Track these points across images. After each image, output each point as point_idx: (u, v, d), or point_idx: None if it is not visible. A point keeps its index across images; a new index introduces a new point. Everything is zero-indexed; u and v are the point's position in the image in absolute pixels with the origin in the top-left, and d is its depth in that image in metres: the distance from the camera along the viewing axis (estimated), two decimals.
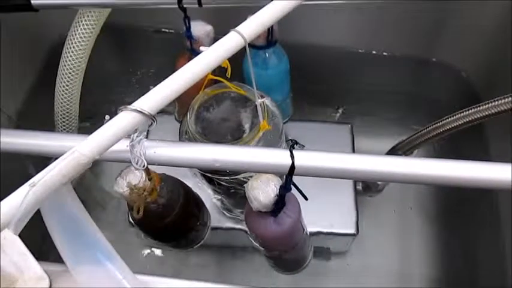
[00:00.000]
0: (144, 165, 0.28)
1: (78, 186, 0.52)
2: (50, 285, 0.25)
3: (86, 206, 0.61)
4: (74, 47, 0.41)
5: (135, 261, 0.58)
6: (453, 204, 0.62)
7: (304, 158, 0.27)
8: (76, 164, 0.24)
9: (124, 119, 0.25)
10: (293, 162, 0.26)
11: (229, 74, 0.33)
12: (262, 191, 0.32)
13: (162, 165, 0.28)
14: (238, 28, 0.28)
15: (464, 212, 0.60)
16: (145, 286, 0.26)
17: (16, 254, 0.24)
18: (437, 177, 0.26)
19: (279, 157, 0.27)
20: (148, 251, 0.60)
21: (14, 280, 0.24)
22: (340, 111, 0.66)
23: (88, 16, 0.40)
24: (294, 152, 0.27)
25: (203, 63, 0.27)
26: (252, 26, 0.28)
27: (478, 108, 0.37)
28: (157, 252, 0.60)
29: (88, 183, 0.55)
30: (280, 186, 0.32)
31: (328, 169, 0.27)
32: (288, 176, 0.28)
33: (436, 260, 0.60)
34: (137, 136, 0.28)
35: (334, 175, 0.27)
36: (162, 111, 0.57)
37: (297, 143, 0.28)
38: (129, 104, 0.25)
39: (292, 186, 0.32)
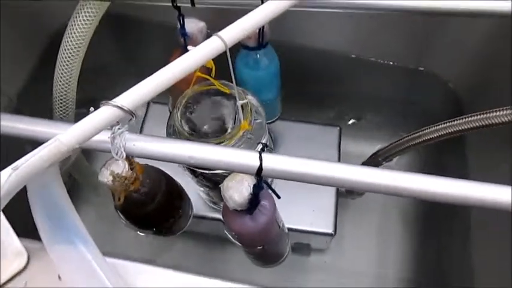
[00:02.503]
0: (123, 156, 0.30)
1: (73, 170, 0.55)
2: (28, 260, 0.28)
3: (80, 190, 0.63)
4: (74, 34, 0.42)
5: (120, 244, 0.60)
6: (431, 210, 0.64)
7: (271, 161, 0.28)
8: (56, 152, 0.26)
9: (104, 114, 0.27)
10: (261, 164, 0.28)
11: (214, 74, 0.35)
12: (237, 191, 0.33)
13: (140, 157, 0.30)
14: (220, 33, 0.29)
15: (441, 218, 0.61)
16: (113, 268, 0.28)
17: None
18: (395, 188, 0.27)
19: (249, 158, 0.29)
20: (135, 234, 0.62)
21: None
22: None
23: (88, 7, 0.41)
24: (263, 154, 0.28)
25: (184, 64, 0.28)
26: (235, 31, 0.30)
27: (457, 121, 0.38)
28: (143, 236, 0.62)
29: (82, 169, 0.56)
30: (254, 185, 0.33)
31: (294, 173, 0.28)
32: (257, 177, 0.29)
33: (411, 263, 0.62)
34: (119, 129, 0.30)
35: (299, 179, 0.29)
36: (158, 102, 0.59)
37: (266, 146, 0.29)
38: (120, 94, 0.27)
39: (266, 185, 0.33)
